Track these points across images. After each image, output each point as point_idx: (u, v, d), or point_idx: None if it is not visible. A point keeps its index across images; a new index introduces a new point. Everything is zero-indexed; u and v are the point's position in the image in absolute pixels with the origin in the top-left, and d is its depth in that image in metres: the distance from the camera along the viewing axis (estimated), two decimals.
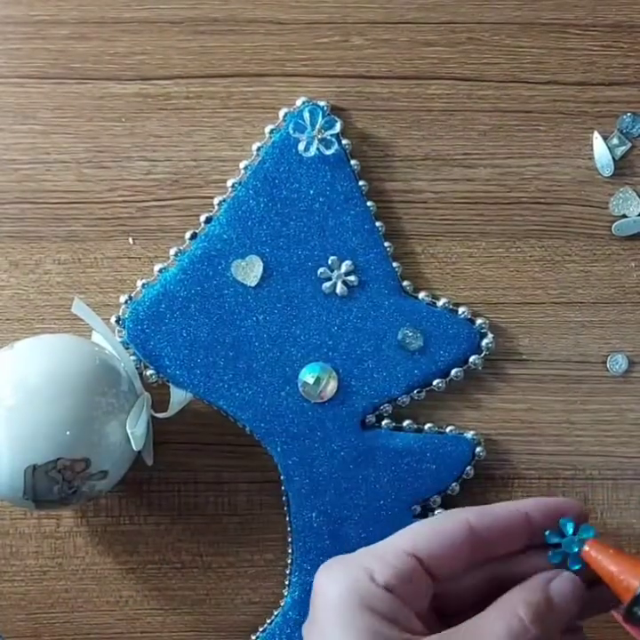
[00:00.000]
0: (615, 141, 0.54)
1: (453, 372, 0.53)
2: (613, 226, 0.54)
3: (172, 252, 0.52)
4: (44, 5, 0.53)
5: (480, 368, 0.53)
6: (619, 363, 0.54)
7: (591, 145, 0.54)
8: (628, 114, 0.53)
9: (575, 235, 0.54)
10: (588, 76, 0.54)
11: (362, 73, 0.53)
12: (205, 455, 0.54)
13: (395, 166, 0.53)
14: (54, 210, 0.54)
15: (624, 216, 0.54)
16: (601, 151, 0.54)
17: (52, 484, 0.46)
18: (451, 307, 0.53)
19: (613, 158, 0.53)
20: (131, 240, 0.54)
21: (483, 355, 0.53)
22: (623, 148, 0.54)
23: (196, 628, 0.54)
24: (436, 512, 0.53)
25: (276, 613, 0.53)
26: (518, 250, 0.54)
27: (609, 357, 0.54)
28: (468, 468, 0.52)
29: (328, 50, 0.54)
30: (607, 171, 0.54)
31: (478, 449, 0.53)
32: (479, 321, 0.53)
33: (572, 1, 0.54)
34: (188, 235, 0.52)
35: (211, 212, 0.53)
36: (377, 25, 0.54)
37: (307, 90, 0.53)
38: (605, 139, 0.53)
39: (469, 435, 0.53)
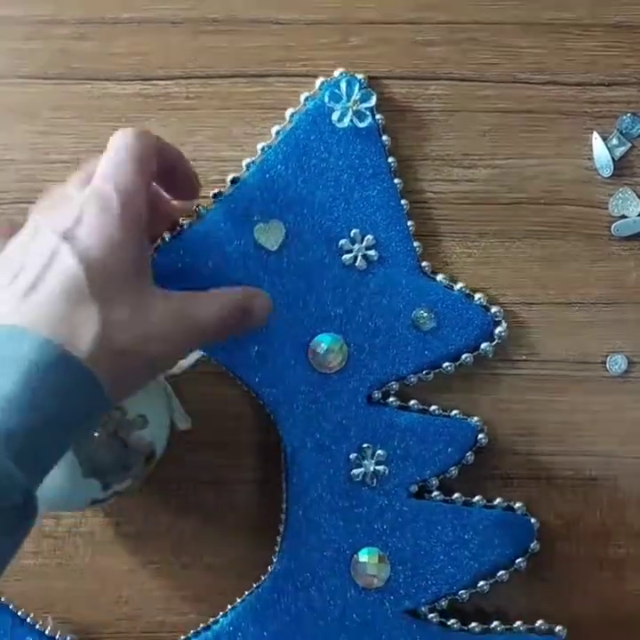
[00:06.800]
0: (615, 142, 0.54)
1: (464, 356, 0.52)
2: (613, 226, 0.54)
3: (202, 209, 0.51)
4: (44, 5, 0.53)
5: (490, 355, 0.53)
6: (618, 363, 0.54)
7: (591, 145, 0.54)
8: (628, 114, 0.53)
9: (575, 235, 0.54)
10: (588, 76, 0.54)
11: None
12: (205, 455, 0.54)
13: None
14: None
15: (624, 216, 0.54)
16: (600, 151, 0.54)
17: (101, 446, 0.47)
18: (467, 291, 0.53)
19: (613, 159, 0.53)
20: None
21: (494, 343, 0.53)
22: (623, 149, 0.54)
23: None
24: (433, 494, 0.52)
25: (264, 577, 0.52)
26: (518, 250, 0.54)
27: (609, 357, 0.54)
28: (469, 453, 0.52)
29: (328, 50, 0.54)
30: (607, 171, 0.54)
31: (481, 436, 0.53)
32: (494, 309, 0.53)
33: (572, 1, 0.54)
34: (211, 193, 0.51)
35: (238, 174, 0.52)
36: (377, 25, 0.54)
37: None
38: (605, 139, 0.53)
39: (474, 420, 0.53)
